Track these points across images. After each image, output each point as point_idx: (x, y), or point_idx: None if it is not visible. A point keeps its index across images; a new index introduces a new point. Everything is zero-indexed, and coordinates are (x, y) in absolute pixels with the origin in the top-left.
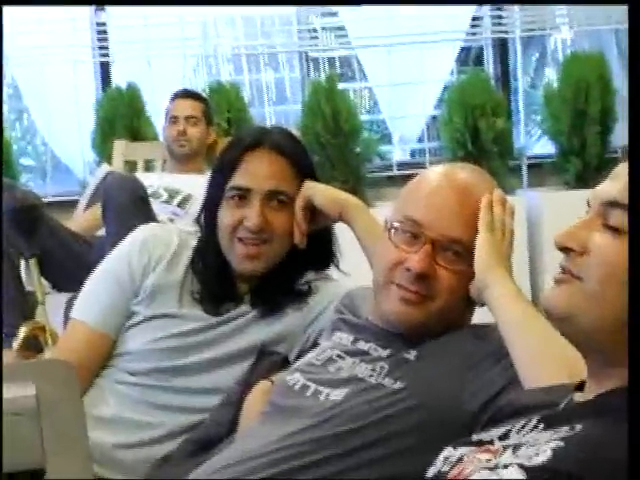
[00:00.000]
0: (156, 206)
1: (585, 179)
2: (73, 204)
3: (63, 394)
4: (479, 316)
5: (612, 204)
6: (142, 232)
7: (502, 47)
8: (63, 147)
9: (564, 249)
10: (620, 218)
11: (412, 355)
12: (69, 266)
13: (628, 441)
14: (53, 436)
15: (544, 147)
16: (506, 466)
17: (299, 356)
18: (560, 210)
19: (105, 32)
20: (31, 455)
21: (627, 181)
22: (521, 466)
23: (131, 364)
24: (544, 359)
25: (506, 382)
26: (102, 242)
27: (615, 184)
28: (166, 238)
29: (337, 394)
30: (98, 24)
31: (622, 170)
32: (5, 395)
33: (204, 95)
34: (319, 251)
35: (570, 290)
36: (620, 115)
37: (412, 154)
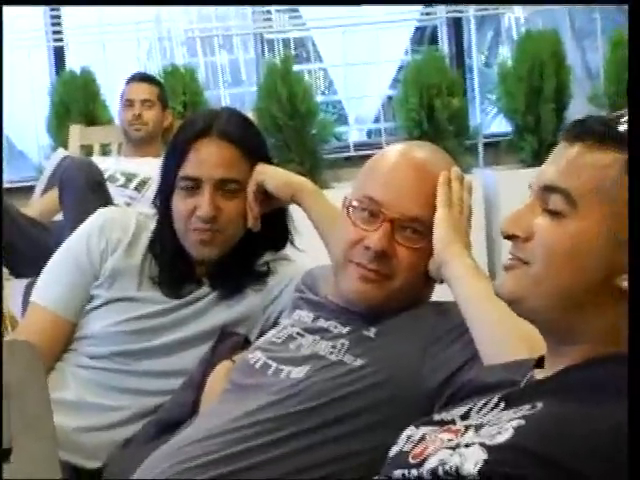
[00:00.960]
0: (113, 190)
1: (541, 157)
2: (29, 190)
3: (28, 374)
4: (439, 293)
5: (549, 188)
6: (100, 216)
7: (456, 26)
8: (18, 132)
9: (510, 237)
10: (557, 202)
11: (372, 332)
12: (27, 252)
13: (629, 440)
14: (19, 416)
15: (499, 125)
16: (468, 445)
17: (260, 336)
18: (516, 188)
19: (59, 17)
20: None
21: (563, 162)
22: (483, 445)
23: (92, 348)
24: (503, 334)
25: (467, 358)
26: (60, 227)
27: (552, 168)
28: (124, 221)
29: (298, 372)
30: (52, 8)
31: (559, 153)
32: None
33: (159, 79)
34: (275, 232)
35: (518, 275)
36: (574, 92)
37: (368, 134)
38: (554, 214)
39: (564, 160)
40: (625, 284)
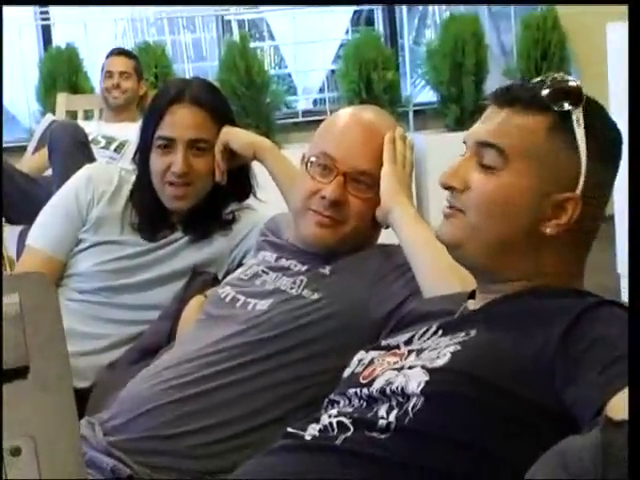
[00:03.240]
0: (95, 151)
1: (462, 122)
2: (20, 149)
3: (43, 300)
4: (385, 237)
5: (484, 144)
6: (87, 170)
7: (390, 10)
8: (11, 100)
9: (448, 188)
10: (492, 157)
11: (327, 270)
12: (20, 202)
13: (629, 440)
14: (35, 337)
15: (427, 95)
16: (411, 367)
17: (226, 275)
18: (441, 150)
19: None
20: (16, 355)
21: (495, 123)
22: (424, 367)
23: (80, 284)
24: (440, 271)
25: (408, 293)
26: (49, 181)
27: (485, 126)
28: (108, 175)
29: (262, 304)
30: None
31: (490, 115)
32: None
33: (134, 53)
34: (239, 185)
35: (457, 223)
36: (491, 67)
37: (314, 103)
38: (488, 168)
39: (495, 122)
40: (548, 230)
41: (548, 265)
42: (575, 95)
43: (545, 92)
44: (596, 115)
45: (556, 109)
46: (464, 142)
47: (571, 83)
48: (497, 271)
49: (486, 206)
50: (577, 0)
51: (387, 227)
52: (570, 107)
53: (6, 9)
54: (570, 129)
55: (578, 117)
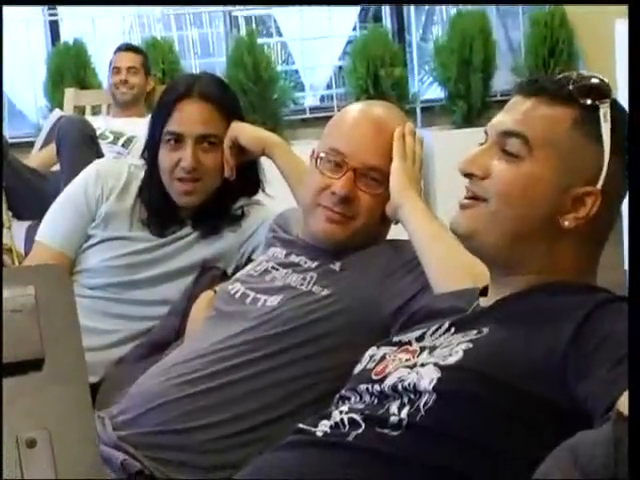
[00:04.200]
0: (103, 146)
1: (470, 119)
2: (28, 145)
3: (59, 292)
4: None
5: (507, 133)
6: (96, 166)
7: (397, 7)
8: (18, 96)
9: (468, 175)
10: (515, 145)
11: (337, 266)
12: (27, 197)
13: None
14: (50, 329)
15: (434, 92)
16: (423, 365)
17: (235, 271)
18: (449, 146)
19: None
20: (31, 346)
21: (520, 112)
22: (437, 365)
23: (89, 279)
24: (451, 266)
25: (419, 288)
26: (57, 176)
27: (509, 115)
28: (117, 171)
29: (272, 300)
30: None
31: (514, 105)
32: (5, 295)
33: (142, 49)
34: (248, 180)
35: (474, 211)
36: (499, 64)
37: (322, 99)
38: (510, 156)
39: (521, 111)
40: (567, 223)
41: (562, 259)
42: (603, 90)
43: (573, 86)
44: (619, 112)
45: (583, 102)
46: (485, 132)
47: (598, 79)
48: (511, 263)
49: (506, 193)
50: (574, 0)
51: (397, 222)
52: (598, 102)
53: (14, 6)
54: (595, 123)
55: (605, 112)
